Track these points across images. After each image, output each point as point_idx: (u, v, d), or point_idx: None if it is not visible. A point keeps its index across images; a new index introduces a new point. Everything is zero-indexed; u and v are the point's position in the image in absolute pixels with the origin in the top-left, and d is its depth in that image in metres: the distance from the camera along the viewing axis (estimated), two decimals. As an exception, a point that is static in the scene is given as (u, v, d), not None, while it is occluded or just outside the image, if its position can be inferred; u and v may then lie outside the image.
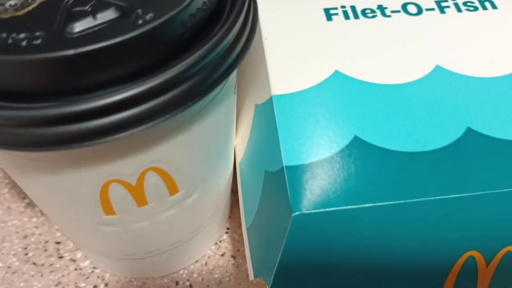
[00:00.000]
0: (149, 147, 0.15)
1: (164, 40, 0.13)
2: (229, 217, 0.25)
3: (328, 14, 0.21)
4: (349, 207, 0.16)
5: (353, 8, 0.21)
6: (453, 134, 0.17)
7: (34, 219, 0.25)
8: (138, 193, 0.17)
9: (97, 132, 0.13)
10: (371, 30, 0.20)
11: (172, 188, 0.18)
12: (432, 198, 0.16)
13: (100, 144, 0.13)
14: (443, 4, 0.21)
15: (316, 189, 0.16)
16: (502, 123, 0.17)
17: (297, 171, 0.16)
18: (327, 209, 0.16)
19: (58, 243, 0.24)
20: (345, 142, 0.17)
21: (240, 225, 0.24)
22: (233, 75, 0.18)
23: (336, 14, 0.21)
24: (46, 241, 0.24)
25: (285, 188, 0.16)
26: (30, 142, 0.13)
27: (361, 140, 0.17)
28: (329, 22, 0.21)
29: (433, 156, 0.17)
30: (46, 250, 0.24)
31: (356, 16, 0.21)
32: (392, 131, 0.17)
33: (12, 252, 0.24)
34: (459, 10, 0.21)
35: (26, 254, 0.24)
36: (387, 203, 0.16)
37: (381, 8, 0.21)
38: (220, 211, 0.22)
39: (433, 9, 0.21)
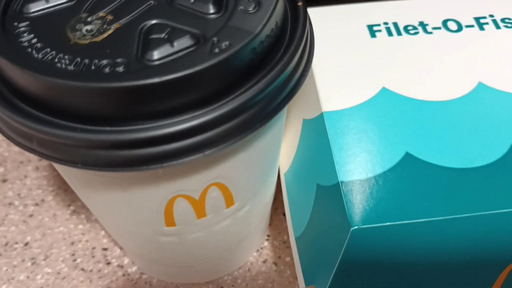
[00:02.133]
0: (214, 165, 0.16)
1: (237, 66, 0.14)
2: (269, 224, 0.25)
3: (372, 31, 0.22)
4: (404, 222, 0.16)
5: (395, 24, 0.22)
6: (498, 150, 0.18)
7: (80, 226, 0.26)
8: (199, 206, 0.18)
9: (175, 154, 0.14)
10: (414, 46, 0.21)
11: (229, 201, 0.18)
12: (481, 213, 0.17)
13: (177, 166, 0.14)
14: (482, 20, 0.22)
15: (371, 204, 0.17)
16: (546, 139, 0.18)
17: (353, 187, 0.17)
18: (382, 224, 0.16)
19: (105, 249, 0.25)
20: (397, 158, 0.18)
21: (279, 232, 0.25)
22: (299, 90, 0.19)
23: (380, 30, 0.22)
24: (94, 248, 0.25)
25: (341, 203, 0.17)
26: (109, 163, 0.14)
27: (412, 157, 0.18)
28: (373, 39, 0.21)
29: (481, 172, 0.17)
30: (93, 257, 0.25)
31: (399, 33, 0.22)
32: (441, 148, 0.18)
33: (61, 259, 0.25)
34: (497, 27, 0.22)
35: (74, 260, 0.25)
36: (439, 218, 0.16)
37: (423, 24, 0.22)
38: (264, 220, 0.23)
39: (472, 26, 0.22)
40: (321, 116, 0.19)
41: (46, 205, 0.27)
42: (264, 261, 0.24)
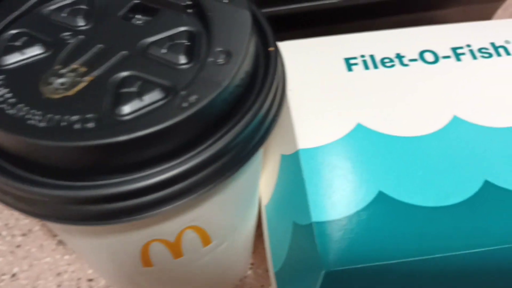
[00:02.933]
0: (188, 211, 0.16)
1: (206, 118, 0.14)
2: (253, 252, 0.26)
3: (349, 64, 0.22)
4: (377, 263, 0.17)
5: (372, 57, 0.22)
6: (471, 187, 0.18)
7: (66, 257, 0.26)
8: (175, 248, 0.18)
9: (145, 207, 0.14)
10: (390, 80, 0.21)
11: (206, 240, 0.19)
12: (454, 253, 0.17)
13: (148, 218, 0.14)
14: (459, 51, 0.22)
15: (344, 245, 0.17)
16: (519, 175, 0.18)
17: (326, 227, 0.17)
18: (355, 266, 0.17)
19: (90, 280, 0.25)
20: (371, 197, 0.18)
21: (263, 260, 0.25)
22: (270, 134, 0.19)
23: (356, 64, 0.22)
24: (79, 278, 0.25)
25: (314, 244, 0.17)
26: (81, 218, 0.14)
27: (386, 195, 0.18)
28: (350, 73, 0.21)
29: (453, 211, 0.18)
30: (79, 287, 0.25)
31: (375, 66, 0.22)
32: (414, 186, 0.18)
33: (47, 289, 0.25)
34: (474, 57, 0.22)
35: (61, 291, 0.25)
36: (412, 259, 0.17)
37: (399, 56, 0.22)
38: (247, 251, 0.24)
39: (449, 57, 0.22)
40: (297, 153, 0.19)
41: (33, 235, 0.27)
42: (248, 290, 0.25)
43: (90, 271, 0.25)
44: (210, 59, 0.15)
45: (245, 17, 0.16)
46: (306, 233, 0.18)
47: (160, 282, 0.20)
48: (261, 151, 0.19)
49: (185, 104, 0.14)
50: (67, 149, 0.13)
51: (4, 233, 0.27)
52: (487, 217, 0.18)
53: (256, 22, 0.17)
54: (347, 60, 0.22)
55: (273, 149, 0.22)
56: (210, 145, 0.14)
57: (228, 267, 0.22)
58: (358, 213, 0.18)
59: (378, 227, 0.17)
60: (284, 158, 0.21)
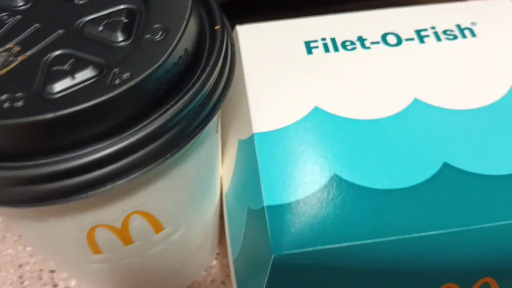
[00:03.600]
0: (131, 194, 0.16)
1: (140, 97, 0.14)
2: (219, 242, 0.25)
3: (309, 47, 0.21)
4: (327, 246, 0.16)
5: (333, 40, 0.22)
6: (429, 169, 0.18)
7: (28, 248, 0.25)
8: (123, 234, 0.17)
9: (79, 188, 0.14)
10: (350, 63, 0.21)
11: (157, 227, 0.18)
12: (409, 236, 0.16)
13: (82, 199, 0.14)
14: (423, 33, 0.22)
15: (295, 229, 0.16)
16: (478, 157, 0.18)
17: (278, 211, 0.17)
18: (306, 249, 0.16)
19: (52, 271, 0.25)
20: (324, 180, 0.17)
21: (229, 250, 0.25)
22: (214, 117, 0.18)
23: (316, 47, 0.21)
24: (41, 270, 0.25)
25: (265, 228, 0.17)
26: (15, 200, 0.14)
27: (340, 178, 0.17)
28: (310, 56, 0.21)
29: (409, 193, 0.17)
30: (41, 279, 0.24)
31: (336, 49, 0.21)
32: (370, 169, 0.18)
33: (8, 281, 0.24)
34: (438, 39, 0.22)
35: (22, 283, 0.24)
36: (365, 241, 0.16)
37: (361, 39, 0.22)
38: (209, 240, 0.23)
39: (412, 39, 0.22)
40: (252, 137, 0.19)
41: (-5, 227, 0.26)
42: (212, 281, 0.24)
43: (52, 263, 0.25)
44: (147, 36, 0.15)
45: (185, -6, 0.15)
46: (259, 217, 0.17)
47: (116, 273, 0.20)
48: (215, 138, 0.19)
49: (117, 81, 0.14)
50: (-7, 128, 0.13)
51: (-34, 225, 0.26)
52: (445, 199, 0.17)
53: (200, 1, 0.17)
54: (307, 43, 0.21)
55: (231, 135, 0.21)
56: (146, 125, 0.14)
57: (189, 256, 0.22)
58: (311, 196, 0.17)
59: (331, 211, 0.17)
60: (240, 143, 0.20)
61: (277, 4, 0.25)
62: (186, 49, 0.15)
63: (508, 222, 0.17)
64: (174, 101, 0.14)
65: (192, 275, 0.24)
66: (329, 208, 0.17)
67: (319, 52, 0.21)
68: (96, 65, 0.14)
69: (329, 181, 0.17)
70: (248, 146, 0.19)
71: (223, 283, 0.24)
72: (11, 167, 0.13)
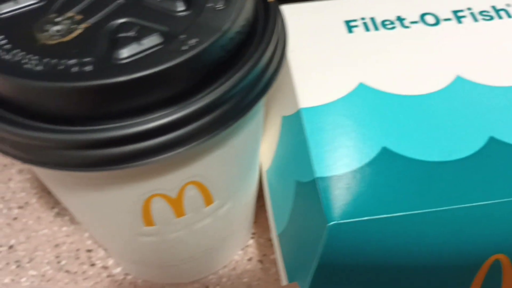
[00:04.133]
0: (190, 163, 0.16)
1: (206, 63, 0.14)
2: (255, 222, 0.25)
3: (349, 26, 0.22)
4: (381, 216, 0.16)
5: (372, 19, 0.22)
6: (476, 143, 0.18)
7: (64, 228, 0.26)
8: (177, 205, 0.18)
9: (144, 153, 0.14)
10: (391, 41, 0.21)
11: (208, 199, 0.18)
12: (458, 206, 0.17)
13: (148, 165, 0.14)
14: (460, 14, 0.22)
15: (348, 199, 0.17)
16: (523, 131, 0.18)
17: (329, 182, 0.17)
18: (360, 219, 0.16)
19: (89, 251, 0.25)
20: (374, 153, 0.18)
21: (265, 230, 0.25)
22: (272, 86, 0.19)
23: (357, 26, 0.22)
24: (78, 249, 0.25)
25: (318, 199, 0.17)
26: (81, 163, 0.14)
27: (389, 151, 0.18)
28: (350, 34, 0.21)
29: (458, 165, 0.17)
30: (78, 258, 0.25)
31: (376, 28, 0.21)
32: (418, 142, 0.18)
33: (45, 261, 0.25)
34: (475, 19, 0.22)
35: (59, 262, 0.24)
36: (416, 211, 0.16)
37: (400, 19, 0.22)
38: (248, 218, 0.23)
39: (450, 19, 0.22)
40: (298, 113, 0.19)
41: (30, 208, 0.27)
42: (250, 259, 0.24)
43: (89, 242, 0.25)
44: (209, 4, 0.15)
45: (244, -35, 0.16)
46: (310, 189, 0.18)
47: (160, 248, 0.20)
48: (261, 112, 0.19)
49: (184, 47, 0.14)
50: (66, 90, 0.13)
51: (0, 205, 0.27)
52: (492, 171, 0.17)
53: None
54: (347, 22, 0.22)
55: (273, 112, 0.22)
56: (209, 92, 0.14)
57: (231, 233, 0.22)
58: (362, 168, 0.17)
59: (382, 182, 0.17)
60: (285, 119, 0.20)
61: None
62: (247, 18, 0.15)
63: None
64: (236, 69, 0.15)
65: (230, 253, 0.24)
66: (380, 179, 0.17)
67: (359, 31, 0.21)
68: (161, 33, 0.14)
69: (379, 153, 0.18)
70: (294, 121, 0.19)
71: (260, 262, 0.24)
72: (79, 131, 0.14)
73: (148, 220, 0.18)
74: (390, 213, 0.16)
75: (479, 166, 0.17)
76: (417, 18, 0.22)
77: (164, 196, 0.17)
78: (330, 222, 0.16)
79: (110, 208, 0.17)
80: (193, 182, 0.17)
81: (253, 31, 0.16)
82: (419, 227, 0.17)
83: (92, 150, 0.14)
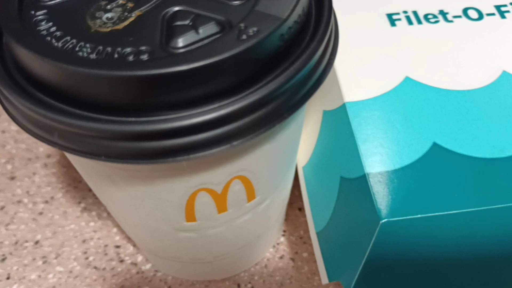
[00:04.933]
0: (239, 158, 0.16)
1: (265, 53, 0.14)
2: (285, 219, 0.25)
3: (391, 19, 0.21)
4: (433, 214, 0.16)
5: (415, 13, 0.21)
6: (528, 140, 0.17)
7: (92, 223, 0.25)
8: (221, 201, 0.17)
9: (201, 146, 0.14)
10: (435, 35, 0.20)
11: (251, 195, 0.18)
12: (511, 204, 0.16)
13: (204, 158, 0.14)
14: (503, 8, 0.22)
15: (400, 196, 0.16)
16: None
17: (380, 178, 0.17)
18: (412, 216, 0.16)
19: (117, 247, 0.24)
20: (425, 148, 0.17)
21: (296, 228, 0.25)
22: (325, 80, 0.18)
23: (399, 19, 0.21)
24: (106, 245, 0.24)
25: (369, 196, 0.16)
26: (134, 155, 0.14)
27: (440, 147, 0.17)
28: (393, 28, 0.21)
29: (510, 162, 0.17)
30: (106, 254, 0.24)
31: (419, 22, 0.21)
32: (469, 138, 0.17)
33: (73, 257, 0.24)
34: (519, 14, 0.21)
35: (87, 258, 0.24)
36: (469, 209, 0.16)
37: (443, 13, 0.21)
38: (282, 214, 0.23)
39: (493, 14, 0.21)
40: (343, 107, 0.19)
41: (56, 203, 0.26)
42: (281, 257, 0.24)
43: (117, 238, 0.24)
44: (266, -7, 0.14)
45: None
46: (358, 185, 0.17)
47: (198, 244, 0.20)
48: (304, 106, 0.19)
49: (244, 36, 0.13)
50: (121, 79, 0.13)
51: (25, 200, 0.26)
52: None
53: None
54: (389, 15, 0.21)
55: (314, 108, 0.21)
56: (266, 84, 0.14)
57: (265, 230, 0.22)
58: (413, 164, 0.17)
59: (433, 179, 0.17)
60: (326, 114, 0.20)
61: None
62: (303, 8, 0.15)
63: None
64: (292, 60, 0.14)
65: (263, 250, 0.23)
66: (432, 176, 0.17)
67: (402, 24, 0.21)
68: (218, 22, 0.14)
69: (430, 149, 0.17)
70: (338, 116, 0.19)
71: (292, 260, 0.24)
72: (133, 121, 0.13)
73: (190, 215, 0.17)
74: (442, 211, 0.16)
75: (532, 164, 0.17)
76: (460, 13, 0.21)
77: (210, 190, 0.16)
78: (383, 219, 0.16)
79: (154, 203, 0.17)
80: (240, 177, 0.17)
81: (307, 22, 0.15)
82: (471, 225, 0.16)
83: (145, 141, 0.13)
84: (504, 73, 0.19)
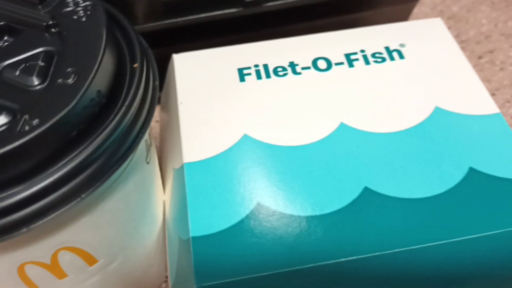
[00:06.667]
0: (56, 231, 0.16)
1: (51, 141, 0.14)
2: (169, 265, 0.26)
3: (242, 74, 0.22)
4: (248, 276, 0.17)
5: (265, 66, 0.22)
6: (350, 194, 0.18)
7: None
8: (55, 269, 0.18)
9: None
10: (281, 89, 0.21)
11: (90, 260, 0.18)
12: (326, 262, 0.17)
13: (3, 241, 0.14)
14: (352, 57, 0.22)
15: (218, 260, 0.17)
16: (397, 181, 0.18)
17: (203, 242, 0.17)
18: (228, 280, 0.17)
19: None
20: (248, 210, 0.18)
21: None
22: (142, 147, 0.19)
23: (249, 74, 0.22)
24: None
25: (190, 260, 0.17)
26: None
27: (263, 206, 0.18)
28: (242, 83, 0.22)
29: (329, 219, 0.18)
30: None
31: (268, 76, 0.22)
32: (293, 196, 0.18)
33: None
34: (367, 62, 0.22)
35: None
36: (283, 270, 0.17)
37: (292, 65, 0.22)
38: (155, 265, 0.23)
39: (342, 63, 0.22)
40: (182, 167, 0.19)
41: None
42: (161, 304, 0.24)
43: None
44: (59, 80, 0.15)
45: (99, 35, 0.16)
46: (186, 248, 0.18)
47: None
48: (147, 167, 0.19)
49: (26, 128, 0.14)
50: None
51: None
52: (363, 224, 0.18)
53: (117, 39, 0.17)
54: (240, 70, 0.22)
55: (169, 164, 0.22)
56: (59, 167, 0.14)
57: (134, 282, 0.22)
58: (234, 226, 0.18)
59: (253, 240, 0.17)
60: (175, 172, 0.21)
61: (211, 31, 0.26)
62: (99, 91, 0.15)
63: (428, 244, 0.17)
64: (88, 142, 0.15)
65: (156, 280, 0.24)
66: (251, 238, 0.17)
67: (251, 79, 0.22)
68: (9, 111, 0.15)
69: (252, 211, 0.18)
70: (180, 176, 0.20)
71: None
72: None
73: (28, 283, 0.18)
74: (257, 273, 0.17)
75: (351, 219, 0.18)
76: (309, 64, 0.22)
77: (37, 263, 0.17)
78: (198, 284, 0.16)
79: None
80: (67, 248, 0.17)
81: (115, 99, 0.16)
82: (287, 286, 0.17)
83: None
84: (342, 124, 0.20)
